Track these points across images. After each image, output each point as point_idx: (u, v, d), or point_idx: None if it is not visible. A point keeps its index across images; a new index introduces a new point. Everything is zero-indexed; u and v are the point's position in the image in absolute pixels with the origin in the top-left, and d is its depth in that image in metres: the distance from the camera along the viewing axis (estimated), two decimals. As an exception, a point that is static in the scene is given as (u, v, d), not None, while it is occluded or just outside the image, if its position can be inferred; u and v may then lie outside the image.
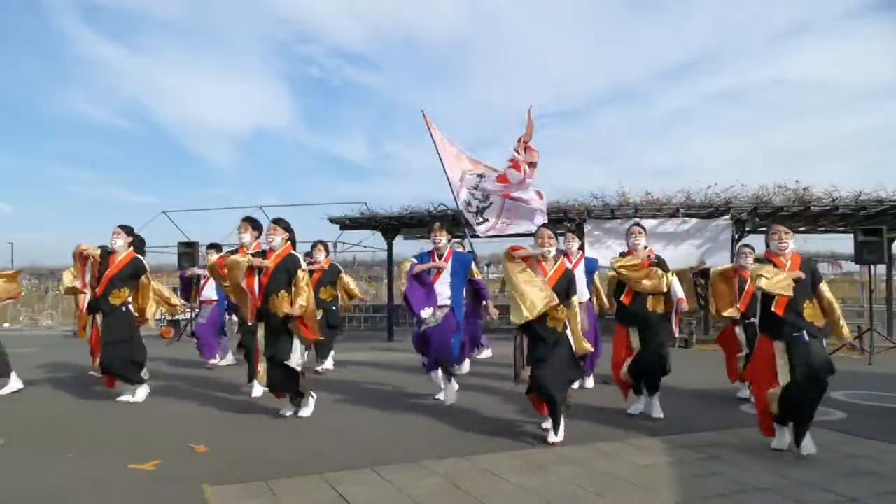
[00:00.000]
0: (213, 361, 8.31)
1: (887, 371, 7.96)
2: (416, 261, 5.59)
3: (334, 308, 8.06)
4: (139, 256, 5.98)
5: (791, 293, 3.91)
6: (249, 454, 4.07)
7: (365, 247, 16.24)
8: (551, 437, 4.26)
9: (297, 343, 5.06)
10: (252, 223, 5.63)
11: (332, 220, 13.31)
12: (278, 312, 4.92)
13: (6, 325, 17.85)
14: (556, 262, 4.51)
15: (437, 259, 5.55)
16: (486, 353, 8.65)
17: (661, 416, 5.05)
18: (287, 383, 5.06)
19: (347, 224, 13.28)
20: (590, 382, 6.62)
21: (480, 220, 9.25)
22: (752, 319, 5.32)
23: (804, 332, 3.92)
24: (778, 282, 3.90)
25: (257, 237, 5.57)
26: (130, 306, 5.96)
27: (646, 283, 5.01)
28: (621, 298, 5.24)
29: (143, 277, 6.00)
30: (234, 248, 5.89)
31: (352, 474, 3.60)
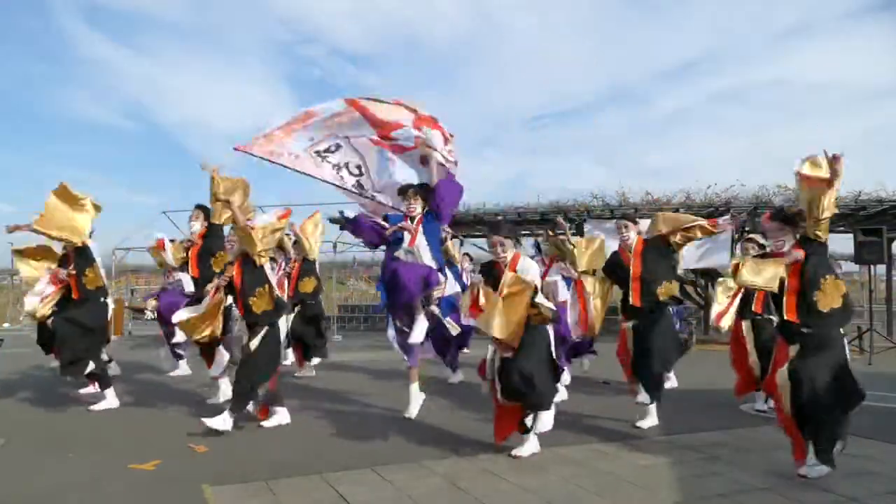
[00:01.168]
0: None
1: (887, 371, 7.96)
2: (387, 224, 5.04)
3: (313, 302, 7.56)
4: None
5: (775, 286, 3.54)
6: (249, 454, 4.07)
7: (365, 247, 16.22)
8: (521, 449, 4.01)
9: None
10: (204, 211, 5.69)
11: (332, 221, 13.27)
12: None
13: (6, 325, 17.83)
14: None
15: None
16: (457, 378, 7.11)
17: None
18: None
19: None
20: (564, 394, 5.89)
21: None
22: (766, 316, 5.12)
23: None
24: (762, 272, 3.48)
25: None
26: (110, 300, 5.65)
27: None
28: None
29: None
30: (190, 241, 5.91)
31: (352, 474, 3.60)
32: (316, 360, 7.67)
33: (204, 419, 4.48)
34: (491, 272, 4.10)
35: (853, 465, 3.71)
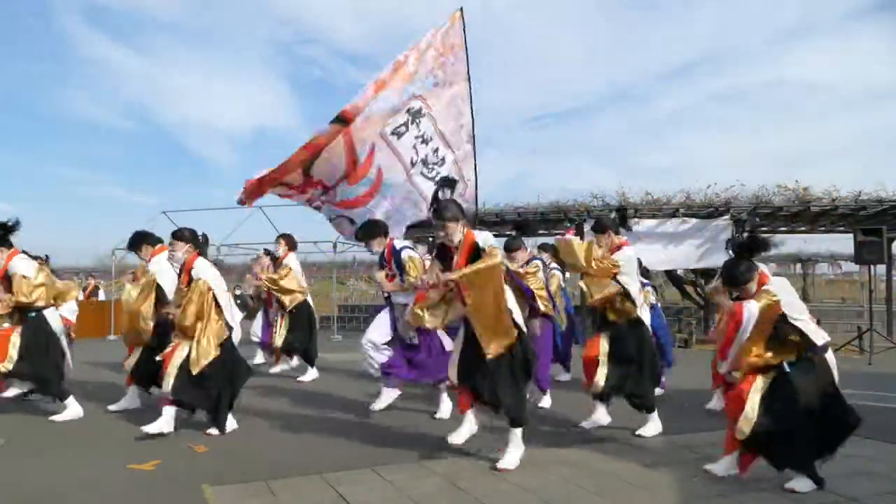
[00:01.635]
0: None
1: (887, 371, 7.97)
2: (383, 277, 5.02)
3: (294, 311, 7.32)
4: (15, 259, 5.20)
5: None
6: (249, 454, 4.08)
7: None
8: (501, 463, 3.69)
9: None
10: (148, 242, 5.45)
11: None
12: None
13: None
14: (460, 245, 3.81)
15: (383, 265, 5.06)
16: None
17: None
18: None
19: (347, 224, 13.25)
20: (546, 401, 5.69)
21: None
22: None
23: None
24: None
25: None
26: (46, 312, 5.31)
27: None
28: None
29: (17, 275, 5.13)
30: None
31: (352, 474, 3.60)
32: (313, 373, 7.27)
33: (209, 431, 4.55)
34: (443, 254, 3.92)
35: (853, 465, 3.71)
